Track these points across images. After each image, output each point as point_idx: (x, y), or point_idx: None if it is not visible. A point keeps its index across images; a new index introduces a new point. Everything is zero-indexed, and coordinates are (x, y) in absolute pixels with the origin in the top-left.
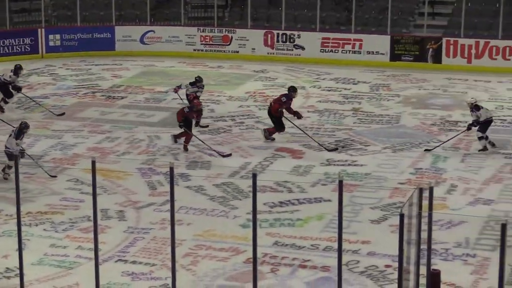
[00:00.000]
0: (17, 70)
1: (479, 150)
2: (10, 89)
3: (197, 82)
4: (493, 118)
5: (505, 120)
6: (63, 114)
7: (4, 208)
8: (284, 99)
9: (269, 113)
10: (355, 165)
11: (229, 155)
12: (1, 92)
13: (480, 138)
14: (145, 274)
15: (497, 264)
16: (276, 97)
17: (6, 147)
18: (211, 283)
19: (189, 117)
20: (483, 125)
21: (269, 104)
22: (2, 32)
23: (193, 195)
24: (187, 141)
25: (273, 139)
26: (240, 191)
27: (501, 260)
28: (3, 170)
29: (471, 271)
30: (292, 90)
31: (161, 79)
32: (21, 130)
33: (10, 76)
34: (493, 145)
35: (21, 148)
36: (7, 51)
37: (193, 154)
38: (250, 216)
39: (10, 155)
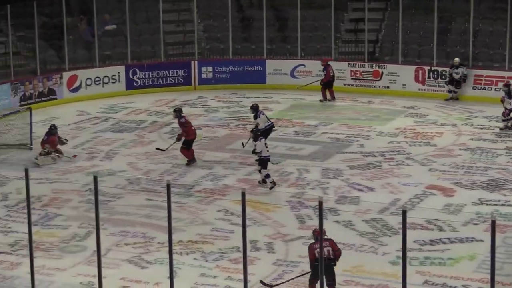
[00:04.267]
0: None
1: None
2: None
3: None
4: None
5: None
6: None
7: (156, 236)
8: None
9: None
10: (508, 205)
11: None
12: None
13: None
14: None
15: None
16: None
17: None
18: None
19: None
20: None
21: None
22: (157, 64)
23: (342, 230)
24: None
25: None
26: (389, 228)
27: None
28: None
29: None
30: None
31: (310, 113)
32: None
33: None
34: None
35: None
36: (162, 83)
37: (342, 189)
38: (400, 253)
39: None
